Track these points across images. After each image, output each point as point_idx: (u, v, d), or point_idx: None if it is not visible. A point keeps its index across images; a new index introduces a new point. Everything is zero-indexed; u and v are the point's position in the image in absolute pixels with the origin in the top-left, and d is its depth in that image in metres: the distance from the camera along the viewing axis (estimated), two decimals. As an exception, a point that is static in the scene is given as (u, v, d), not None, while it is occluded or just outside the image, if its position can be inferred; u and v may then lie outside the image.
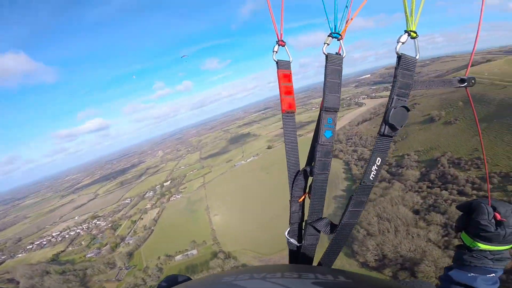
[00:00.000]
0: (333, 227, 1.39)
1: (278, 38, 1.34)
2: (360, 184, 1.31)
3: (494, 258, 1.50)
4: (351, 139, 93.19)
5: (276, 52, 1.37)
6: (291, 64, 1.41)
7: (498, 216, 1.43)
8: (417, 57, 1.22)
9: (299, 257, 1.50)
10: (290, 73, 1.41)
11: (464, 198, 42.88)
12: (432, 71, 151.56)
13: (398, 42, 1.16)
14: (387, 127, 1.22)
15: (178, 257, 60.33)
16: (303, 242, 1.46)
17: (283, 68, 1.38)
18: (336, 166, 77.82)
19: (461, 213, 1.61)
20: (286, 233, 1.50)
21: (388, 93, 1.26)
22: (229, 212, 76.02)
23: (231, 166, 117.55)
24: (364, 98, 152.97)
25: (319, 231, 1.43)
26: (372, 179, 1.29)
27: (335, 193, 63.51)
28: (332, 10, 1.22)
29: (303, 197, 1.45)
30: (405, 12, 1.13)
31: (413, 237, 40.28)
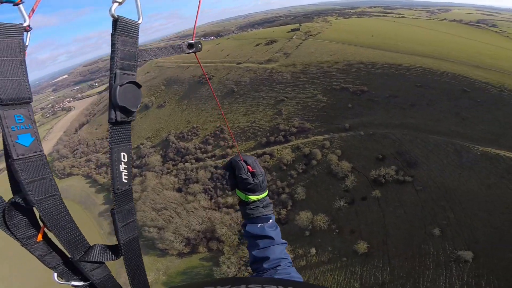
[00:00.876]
0: (114, 249, 1.10)
1: None
2: (114, 193, 1.01)
3: (263, 205, 1.73)
4: (77, 149, 79.50)
5: None
6: None
7: (250, 168, 1.66)
8: (139, 21, 1.00)
9: None
10: None
11: (201, 163, 52.73)
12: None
13: (114, 2, 0.91)
14: (118, 112, 0.95)
15: None
16: (92, 278, 1.08)
17: None
18: (79, 185, 65.99)
19: (228, 173, 1.72)
20: (55, 277, 1.07)
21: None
22: None
23: None
24: (70, 101, 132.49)
25: (102, 262, 1.08)
26: (126, 181, 1.03)
27: (99, 210, 55.17)
28: None
29: (41, 232, 0.99)
30: None
31: (193, 212, 44.52)
